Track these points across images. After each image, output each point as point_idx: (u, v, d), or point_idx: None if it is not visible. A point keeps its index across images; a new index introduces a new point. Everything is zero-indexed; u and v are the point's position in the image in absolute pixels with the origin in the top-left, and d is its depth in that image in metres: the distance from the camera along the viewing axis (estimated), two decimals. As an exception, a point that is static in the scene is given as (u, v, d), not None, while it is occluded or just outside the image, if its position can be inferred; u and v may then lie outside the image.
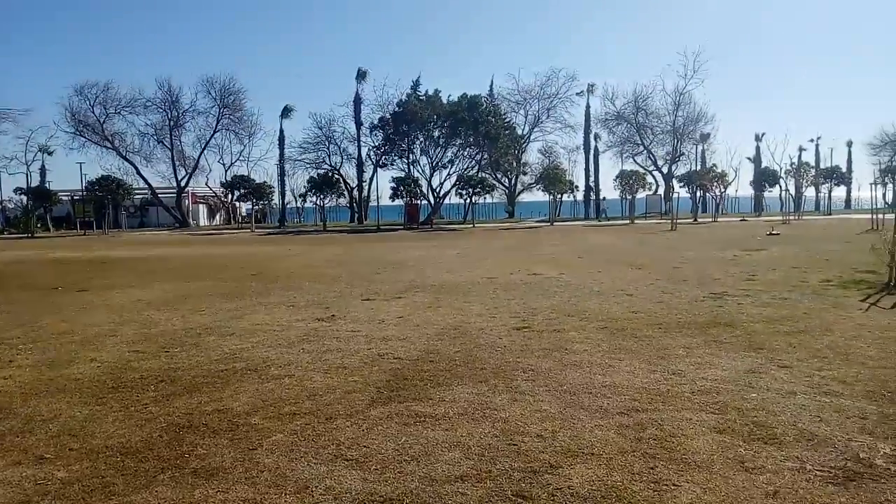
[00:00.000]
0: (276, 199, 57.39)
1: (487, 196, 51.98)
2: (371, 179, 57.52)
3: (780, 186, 57.64)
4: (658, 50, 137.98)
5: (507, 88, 59.87)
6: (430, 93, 48.60)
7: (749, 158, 65.00)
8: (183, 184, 58.90)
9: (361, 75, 55.31)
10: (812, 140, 67.08)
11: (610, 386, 5.70)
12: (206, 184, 61.41)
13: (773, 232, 25.41)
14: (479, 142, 46.83)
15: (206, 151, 59.79)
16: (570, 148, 64.16)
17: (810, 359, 6.35)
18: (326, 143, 57.56)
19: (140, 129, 59.06)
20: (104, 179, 49.92)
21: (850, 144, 68.51)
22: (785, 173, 58.74)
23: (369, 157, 55.25)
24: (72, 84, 72.70)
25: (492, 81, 60.22)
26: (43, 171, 57.96)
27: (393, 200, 46.49)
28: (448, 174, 50.57)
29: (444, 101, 47.35)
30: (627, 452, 4.25)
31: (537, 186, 51.73)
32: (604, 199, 58.58)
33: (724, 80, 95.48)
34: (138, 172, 58.24)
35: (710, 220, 43.50)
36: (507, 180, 61.32)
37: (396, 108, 49.36)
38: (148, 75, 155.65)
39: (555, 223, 43.82)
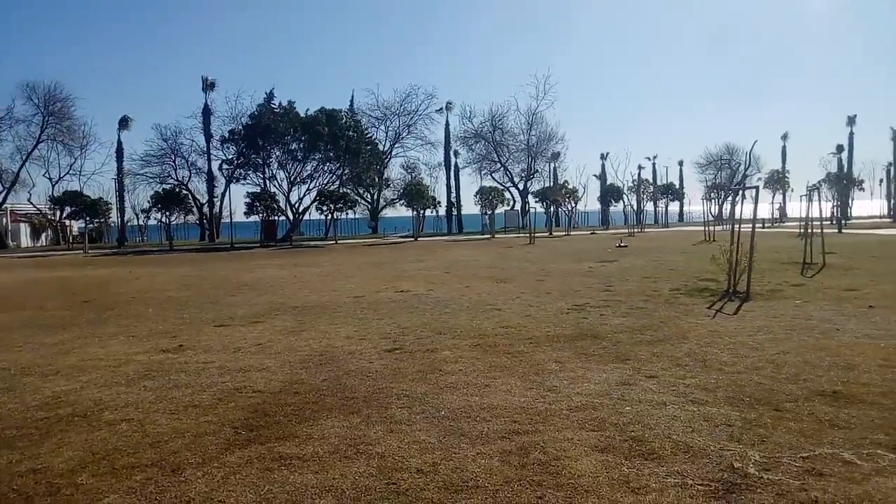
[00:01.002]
0: (114, 216, 52.43)
1: (349, 211, 51.25)
2: (223, 195, 54.47)
3: (624, 201, 62.70)
4: (513, 71, 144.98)
5: (368, 104, 59.86)
6: (285, 104, 46.94)
7: (596, 175, 69.97)
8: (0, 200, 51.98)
9: (209, 85, 52.27)
10: (649, 158, 73.83)
11: (488, 408, 5.46)
12: (30, 200, 54.59)
13: (622, 244, 27.22)
14: (339, 156, 45.93)
15: (27, 164, 53.19)
16: (431, 164, 65.33)
17: (673, 367, 6.56)
18: (172, 157, 53.55)
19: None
20: None
21: (681, 163, 76.14)
22: (628, 189, 63.99)
23: (221, 171, 52.21)
24: None
25: (352, 96, 60.08)
26: None
27: (248, 216, 44.19)
28: (308, 189, 49.05)
29: (302, 114, 45.92)
30: (513, 481, 3.99)
31: (400, 202, 51.83)
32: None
33: (571, 101, 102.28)
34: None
35: (564, 233, 46.01)
36: (369, 195, 60.95)
37: (249, 121, 47.06)
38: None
39: (419, 238, 44.05)
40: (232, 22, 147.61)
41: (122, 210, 53.98)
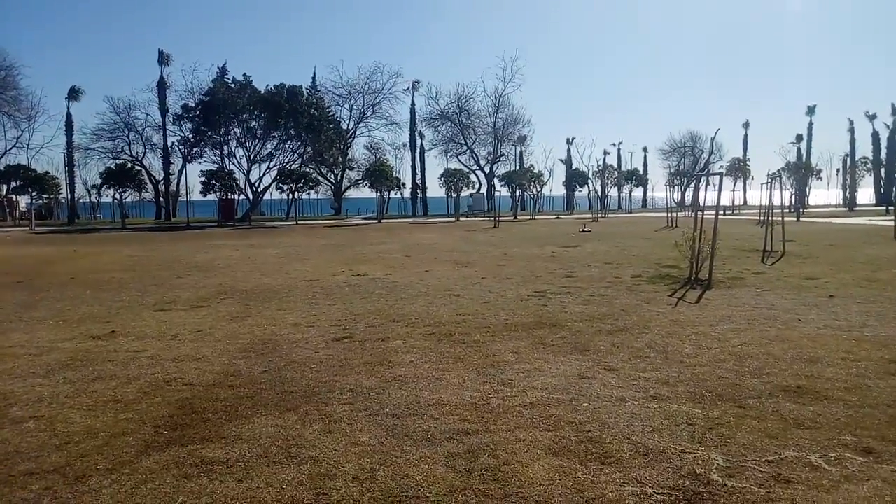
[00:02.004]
0: (64, 192, 50.35)
1: (312, 192, 50.19)
2: (180, 172, 52.71)
3: (589, 186, 62.95)
4: (479, 51, 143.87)
5: (332, 81, 58.45)
6: (241, 79, 45.31)
7: (561, 160, 70.01)
8: (-65, 174, 49.35)
9: (165, 59, 50.23)
10: (615, 144, 74.17)
11: (438, 404, 5.07)
12: (-29, 174, 51.99)
13: (586, 229, 27.13)
14: (300, 134, 44.70)
15: (-32, 136, 50.54)
16: (396, 145, 64.43)
17: (634, 359, 6.27)
18: (126, 131, 51.53)
19: None
20: None
21: (645, 150, 76.72)
22: (593, 175, 64.27)
23: (178, 148, 50.44)
24: None
25: (314, 73, 58.68)
26: None
27: (205, 195, 42.81)
28: (268, 168, 47.78)
29: (262, 90, 44.43)
30: (457, 491, 3.61)
31: (364, 183, 50.93)
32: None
33: (539, 85, 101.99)
34: None
35: (529, 217, 45.90)
36: (332, 176, 59.83)
37: (203, 97, 45.22)
38: None
39: (383, 220, 43.39)
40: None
41: (72, 186, 51.83)
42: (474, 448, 4.20)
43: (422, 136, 62.46)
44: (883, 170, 65.04)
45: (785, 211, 20.17)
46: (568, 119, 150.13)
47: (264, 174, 47.80)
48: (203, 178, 42.09)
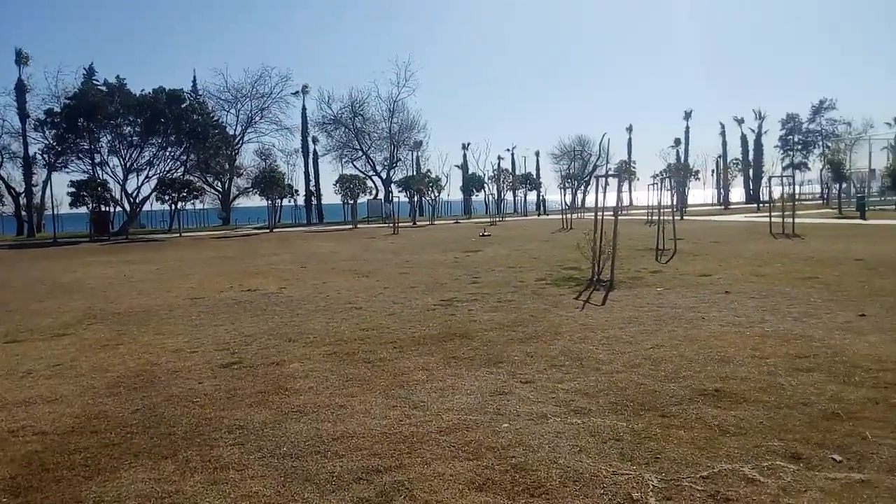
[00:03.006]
0: None
1: (197, 201, 47.26)
2: (45, 183, 47.84)
3: (485, 191, 63.82)
4: (373, 56, 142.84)
5: (216, 85, 55.63)
6: (113, 81, 41.75)
7: (458, 166, 70.63)
8: None
9: (23, 59, 45.49)
10: (509, 149, 75.99)
11: (343, 437, 4.48)
12: None
13: (485, 233, 27.20)
14: (182, 141, 41.87)
15: None
16: (288, 151, 62.27)
17: (549, 369, 5.96)
18: (-23, 139, 46.16)
19: None
20: None
21: (537, 154, 79.06)
22: (489, 179, 65.23)
23: (41, 157, 45.72)
24: None
25: (194, 76, 55.29)
26: None
27: (74, 207, 39.05)
28: (147, 177, 44.36)
29: (137, 93, 41.17)
30: (372, 548, 3.06)
31: (254, 191, 48.59)
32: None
33: (433, 90, 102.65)
34: None
35: (428, 223, 45.69)
36: (220, 184, 56.79)
37: (68, 101, 41.12)
38: None
39: (275, 230, 41.54)
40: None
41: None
42: (387, 489, 3.66)
43: (315, 141, 60.82)
44: (751, 170, 70.71)
45: (671, 210, 21.11)
46: (463, 125, 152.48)
47: (143, 184, 44.32)
48: (72, 190, 38.34)
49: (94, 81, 42.00)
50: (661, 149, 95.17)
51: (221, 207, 57.76)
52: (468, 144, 70.64)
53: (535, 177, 70.23)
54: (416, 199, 55.50)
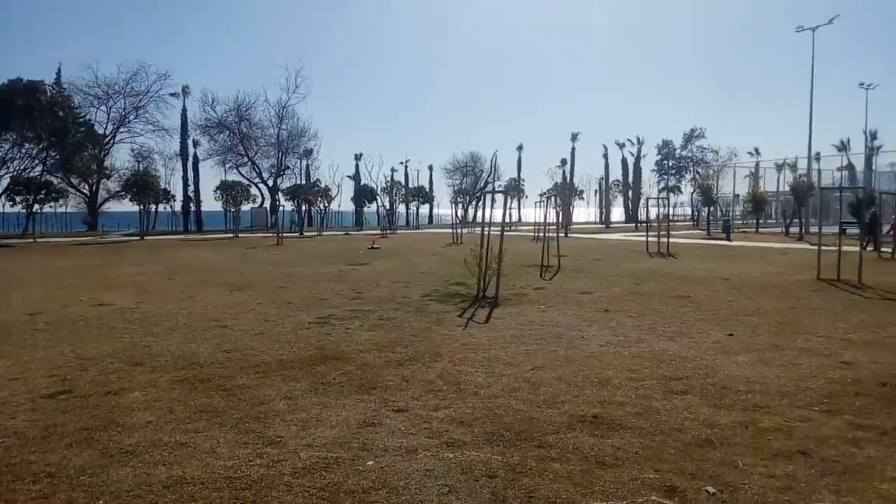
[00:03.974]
0: None
1: (58, 204, 43.00)
2: None
3: (378, 202, 63.16)
4: (262, 59, 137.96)
5: (85, 80, 51.08)
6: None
7: (349, 176, 69.53)
8: None
9: None
10: (402, 162, 75.92)
11: (176, 485, 3.81)
12: None
13: (375, 246, 26.61)
14: (41, 137, 37.95)
15: None
16: (166, 154, 58.38)
17: (426, 395, 5.55)
18: None
19: None
20: None
21: (431, 168, 79.60)
22: (381, 191, 64.64)
23: None
24: None
25: (59, 69, 50.51)
26: None
27: None
28: (-2, 176, 39.74)
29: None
30: None
31: (124, 194, 44.90)
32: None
33: (326, 99, 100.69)
34: None
35: (316, 233, 44.33)
36: (86, 186, 52.18)
37: None
38: None
39: (146, 237, 38.58)
40: None
41: None
42: (220, 553, 3.06)
43: (196, 144, 57.44)
44: (630, 192, 75.04)
45: (556, 227, 21.62)
46: (356, 136, 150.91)
47: (-7, 184, 39.71)
48: None
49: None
50: (548, 168, 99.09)
51: (88, 211, 53.02)
52: (361, 155, 69.79)
53: (427, 190, 70.59)
54: (304, 208, 53.83)
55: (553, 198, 29.84)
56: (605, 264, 17.58)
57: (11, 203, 37.25)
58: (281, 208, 43.72)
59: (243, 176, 57.54)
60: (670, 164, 75.05)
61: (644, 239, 24.31)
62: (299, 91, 60.47)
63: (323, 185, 54.53)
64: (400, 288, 12.61)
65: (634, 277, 14.09)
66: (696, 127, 74.75)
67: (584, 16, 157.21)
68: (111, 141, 52.95)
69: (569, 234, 34.79)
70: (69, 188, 47.08)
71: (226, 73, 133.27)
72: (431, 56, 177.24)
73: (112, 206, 55.95)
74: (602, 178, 77.94)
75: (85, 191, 51.90)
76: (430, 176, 79.04)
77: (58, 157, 40.72)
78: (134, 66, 54.45)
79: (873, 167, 49.79)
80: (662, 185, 74.08)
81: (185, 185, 55.21)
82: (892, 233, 23.07)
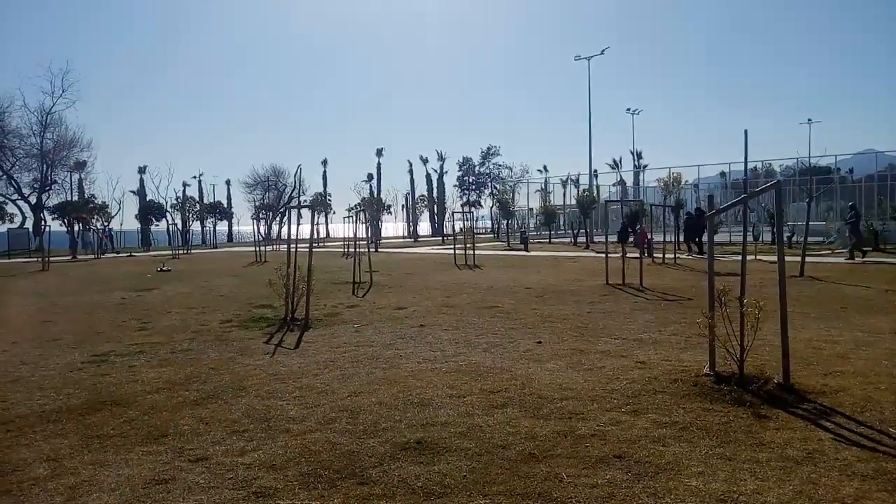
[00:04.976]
0: None
1: None
2: None
3: (168, 220, 57.85)
4: (17, 59, 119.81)
5: None
6: None
7: (133, 191, 63.04)
8: None
9: None
10: (196, 176, 70.76)
11: None
12: None
13: (164, 268, 24.09)
14: None
15: None
16: None
17: (229, 437, 4.86)
18: None
19: None
20: None
21: (228, 182, 75.17)
22: (171, 207, 59.39)
23: None
24: None
25: None
26: None
27: None
28: None
29: None
30: None
31: None
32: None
33: (103, 105, 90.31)
34: None
35: (93, 256, 39.14)
36: None
37: None
38: None
39: None
40: None
41: None
42: None
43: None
44: (436, 206, 77.71)
45: (366, 243, 21.39)
46: (140, 147, 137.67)
47: None
48: None
49: None
50: (355, 183, 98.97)
51: None
52: (145, 168, 63.64)
53: (225, 206, 66.49)
54: (77, 228, 47.48)
55: (361, 213, 29.62)
56: (417, 278, 17.68)
57: None
58: (47, 228, 37.91)
59: (-2, 192, 49.30)
60: (471, 179, 79.34)
61: (451, 252, 25.05)
62: (67, 96, 53.40)
63: (99, 202, 48.48)
64: (195, 314, 11.37)
65: (445, 290, 14.29)
66: (492, 145, 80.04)
67: (385, 36, 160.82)
68: None
69: (379, 249, 34.82)
70: None
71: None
72: (221, 62, 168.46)
73: None
74: (408, 193, 79.89)
75: None
76: (228, 191, 74.86)
77: None
78: None
79: (640, 183, 57.41)
80: (465, 199, 77.97)
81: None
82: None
